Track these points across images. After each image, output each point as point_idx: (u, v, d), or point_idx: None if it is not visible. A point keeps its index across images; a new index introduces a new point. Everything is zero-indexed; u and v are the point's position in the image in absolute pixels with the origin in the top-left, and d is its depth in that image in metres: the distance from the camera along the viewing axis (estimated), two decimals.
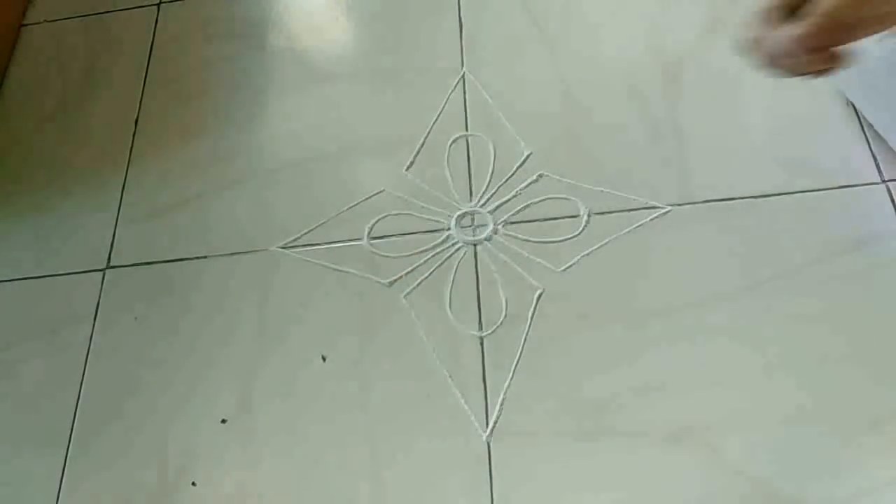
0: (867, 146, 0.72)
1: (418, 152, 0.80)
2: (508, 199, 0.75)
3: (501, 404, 0.65)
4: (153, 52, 0.94)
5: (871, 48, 0.64)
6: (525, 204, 0.74)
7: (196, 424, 0.68)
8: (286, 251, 0.76)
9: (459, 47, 0.86)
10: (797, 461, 0.59)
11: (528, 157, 0.77)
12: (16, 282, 0.79)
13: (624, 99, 0.79)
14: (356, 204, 0.78)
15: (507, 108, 0.81)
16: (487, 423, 0.65)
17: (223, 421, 0.68)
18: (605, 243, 0.71)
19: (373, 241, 0.75)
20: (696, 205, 0.72)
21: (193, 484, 0.66)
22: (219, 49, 0.92)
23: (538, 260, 0.71)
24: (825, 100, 0.75)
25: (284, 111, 0.86)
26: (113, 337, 0.74)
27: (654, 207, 0.72)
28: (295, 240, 0.77)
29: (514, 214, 0.74)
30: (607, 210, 0.72)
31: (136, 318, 0.75)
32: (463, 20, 0.89)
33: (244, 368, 0.70)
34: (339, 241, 0.76)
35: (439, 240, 0.74)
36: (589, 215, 0.72)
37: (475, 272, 0.72)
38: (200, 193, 0.82)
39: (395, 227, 0.76)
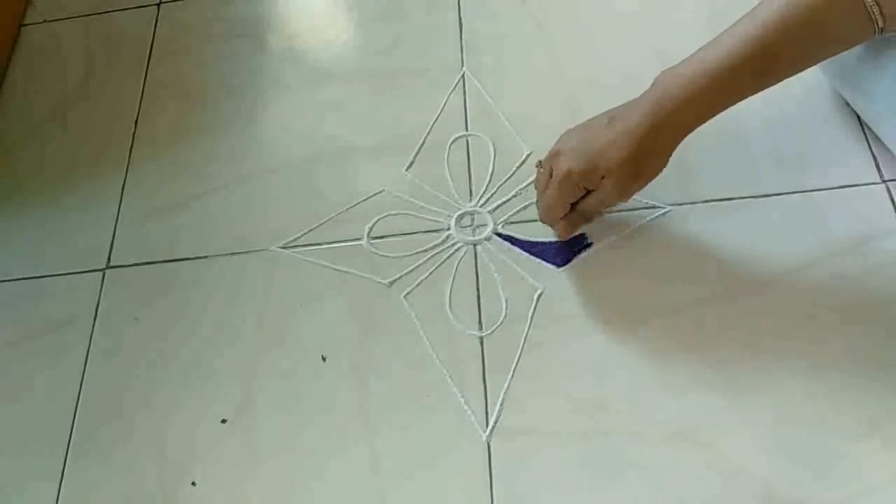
0: (867, 146, 0.72)
1: (418, 152, 0.80)
2: (508, 199, 0.75)
3: (501, 404, 0.65)
4: (153, 52, 0.94)
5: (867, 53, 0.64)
6: (525, 204, 0.74)
7: (196, 424, 0.68)
8: (286, 251, 0.76)
9: (459, 47, 0.86)
10: (797, 461, 0.59)
11: (528, 156, 0.77)
12: (16, 282, 0.79)
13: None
14: (356, 204, 0.78)
15: (507, 108, 0.81)
16: (487, 423, 0.65)
17: (223, 421, 0.68)
18: (605, 243, 0.71)
19: (373, 241, 0.75)
20: (696, 205, 0.72)
21: (193, 484, 0.66)
22: (219, 49, 0.92)
23: (538, 260, 0.71)
24: (825, 99, 0.75)
25: (284, 111, 0.86)
26: (113, 337, 0.74)
27: (654, 207, 0.72)
28: (295, 240, 0.77)
29: (514, 214, 0.74)
30: (607, 210, 0.72)
31: (136, 318, 0.75)
32: (463, 20, 0.89)
33: (244, 368, 0.70)
34: (339, 241, 0.76)
35: (439, 240, 0.74)
36: None
37: (475, 272, 0.72)
38: (200, 193, 0.82)
39: (395, 227, 0.76)
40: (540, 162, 0.68)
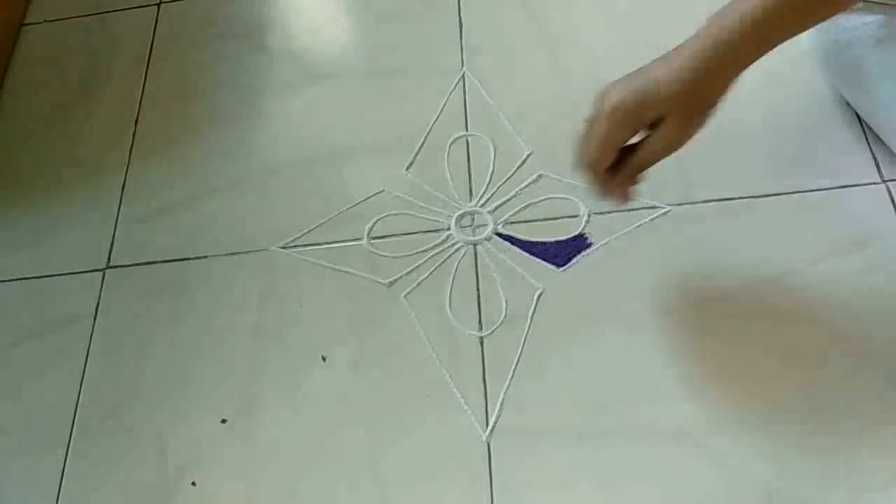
0: (867, 146, 0.72)
1: (418, 152, 0.80)
2: (508, 199, 0.75)
3: (501, 404, 0.65)
4: (153, 52, 0.94)
5: (869, 51, 0.64)
6: (525, 204, 0.74)
7: (196, 424, 0.68)
8: (286, 251, 0.76)
9: (459, 47, 0.86)
10: (797, 461, 0.59)
11: (528, 156, 0.77)
12: (16, 282, 0.79)
13: None
14: (356, 204, 0.78)
15: (507, 108, 0.81)
16: (487, 423, 0.65)
17: (223, 421, 0.68)
18: (605, 243, 0.71)
19: (373, 241, 0.75)
20: (696, 205, 0.72)
21: (193, 484, 0.66)
22: (219, 49, 0.92)
23: (538, 260, 0.71)
24: (825, 100, 0.75)
25: (284, 111, 0.86)
26: (113, 337, 0.74)
27: (654, 207, 0.72)
28: (295, 240, 0.77)
29: (514, 214, 0.74)
30: (607, 210, 0.72)
31: (136, 318, 0.75)
32: (463, 20, 0.89)
33: (244, 368, 0.70)
34: (339, 241, 0.76)
35: (439, 240, 0.74)
36: (589, 215, 0.72)
37: (475, 272, 0.72)
38: (200, 193, 0.82)
39: (395, 227, 0.76)
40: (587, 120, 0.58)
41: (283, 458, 0.66)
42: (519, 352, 0.67)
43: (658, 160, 0.57)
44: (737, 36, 0.54)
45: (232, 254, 0.77)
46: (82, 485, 0.67)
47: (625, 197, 0.59)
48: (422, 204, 0.76)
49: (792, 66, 0.77)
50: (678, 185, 0.72)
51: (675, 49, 0.56)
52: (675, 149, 0.56)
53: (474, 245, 0.73)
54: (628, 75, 0.57)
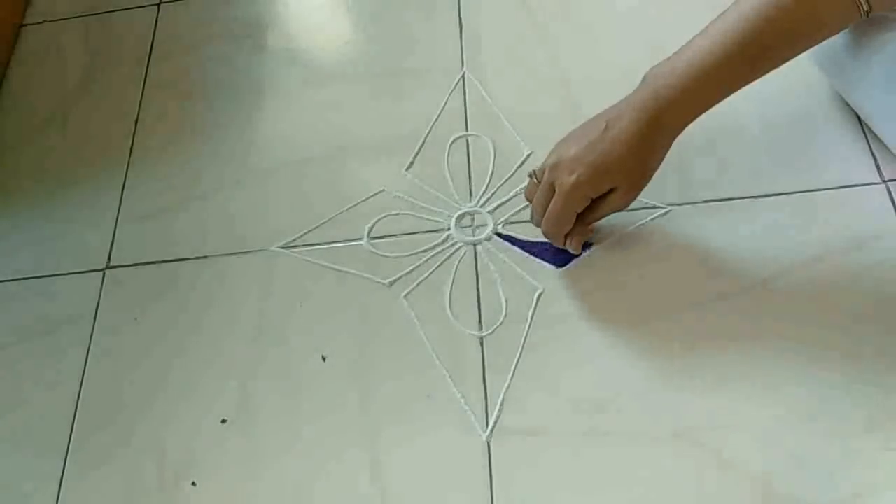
0: (867, 146, 0.72)
1: (418, 152, 0.80)
2: (508, 199, 0.75)
3: (501, 404, 0.65)
4: (153, 52, 0.94)
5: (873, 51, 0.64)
6: (525, 204, 0.74)
7: (196, 424, 0.68)
8: (286, 251, 0.76)
9: (459, 47, 0.86)
10: (796, 461, 0.59)
11: (528, 157, 0.77)
12: (16, 282, 0.79)
13: None
14: (356, 204, 0.78)
15: (507, 108, 0.81)
16: (487, 423, 0.65)
17: (223, 421, 0.68)
18: (605, 243, 0.71)
19: (373, 241, 0.75)
20: (697, 205, 0.72)
21: (193, 484, 0.66)
22: (219, 49, 0.92)
23: (538, 260, 0.71)
24: (825, 99, 0.75)
25: (284, 111, 0.86)
26: (113, 337, 0.74)
27: (654, 207, 0.72)
28: (295, 240, 0.77)
29: (514, 214, 0.74)
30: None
31: (135, 318, 0.75)
32: (463, 20, 0.89)
33: (244, 368, 0.70)
34: (339, 241, 0.76)
35: (439, 240, 0.74)
36: None
37: (475, 272, 0.72)
38: (200, 193, 0.82)
39: (395, 227, 0.76)
40: (534, 172, 0.66)
41: (283, 458, 0.66)
42: (519, 352, 0.67)
43: (608, 215, 0.65)
44: (672, 102, 0.58)
45: (232, 254, 0.77)
46: (82, 484, 0.67)
47: (579, 247, 0.67)
48: (422, 204, 0.76)
49: (792, 66, 0.77)
50: (678, 185, 0.72)
51: (616, 111, 0.60)
52: (625, 208, 0.64)
53: (474, 245, 0.73)
54: (577, 144, 0.61)
